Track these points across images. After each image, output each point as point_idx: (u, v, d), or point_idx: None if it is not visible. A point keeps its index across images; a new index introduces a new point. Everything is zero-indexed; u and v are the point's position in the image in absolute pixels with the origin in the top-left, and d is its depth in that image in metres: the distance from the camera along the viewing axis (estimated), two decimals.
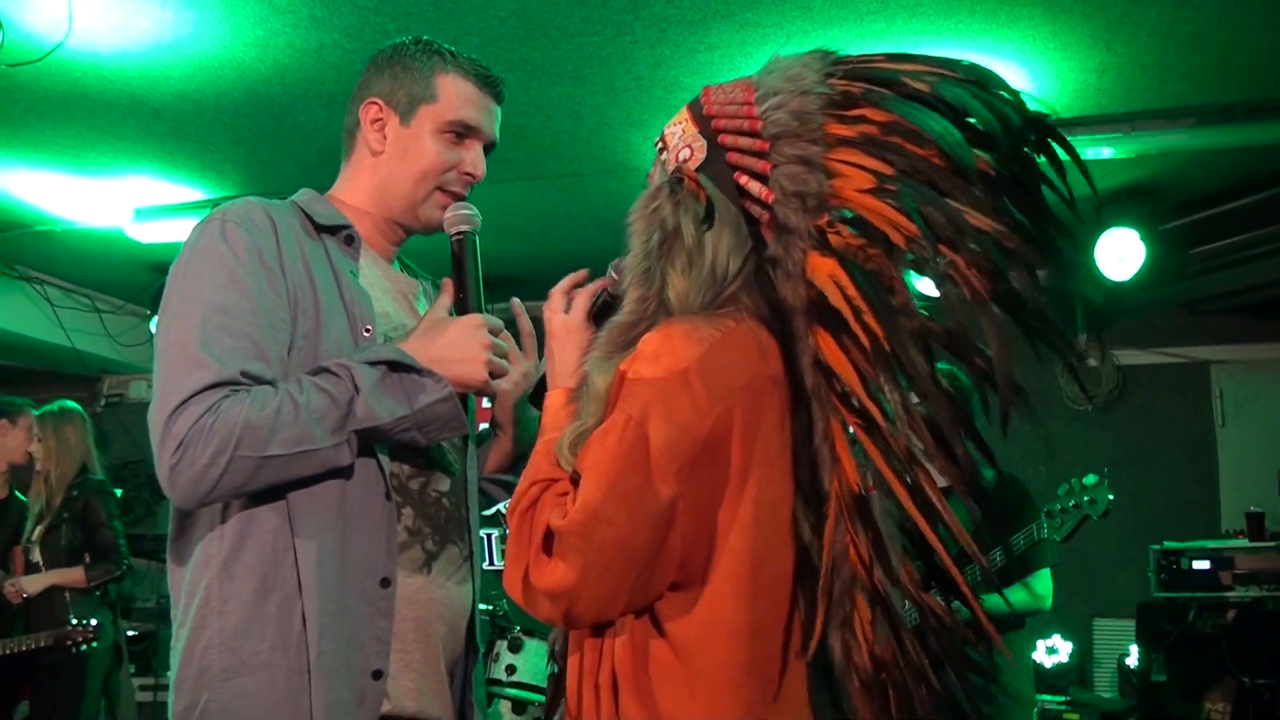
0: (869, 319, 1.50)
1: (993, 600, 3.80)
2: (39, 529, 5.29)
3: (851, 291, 1.51)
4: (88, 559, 5.28)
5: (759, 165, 1.62)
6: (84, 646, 5.02)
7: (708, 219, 1.63)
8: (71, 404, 5.59)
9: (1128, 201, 5.36)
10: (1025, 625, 4.19)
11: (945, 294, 1.49)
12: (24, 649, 4.99)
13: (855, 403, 1.52)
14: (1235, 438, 6.56)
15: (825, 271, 1.54)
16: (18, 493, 5.58)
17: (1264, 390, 6.49)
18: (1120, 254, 5.35)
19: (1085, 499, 3.87)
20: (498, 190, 5.38)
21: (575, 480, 1.57)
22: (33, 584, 5.17)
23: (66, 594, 5.22)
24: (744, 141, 1.63)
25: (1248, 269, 5.58)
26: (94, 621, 5.03)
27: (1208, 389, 6.63)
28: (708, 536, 1.56)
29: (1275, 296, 5.92)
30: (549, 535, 1.54)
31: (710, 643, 1.55)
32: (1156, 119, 4.54)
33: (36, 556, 5.28)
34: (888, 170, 1.55)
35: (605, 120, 4.73)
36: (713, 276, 1.64)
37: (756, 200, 1.62)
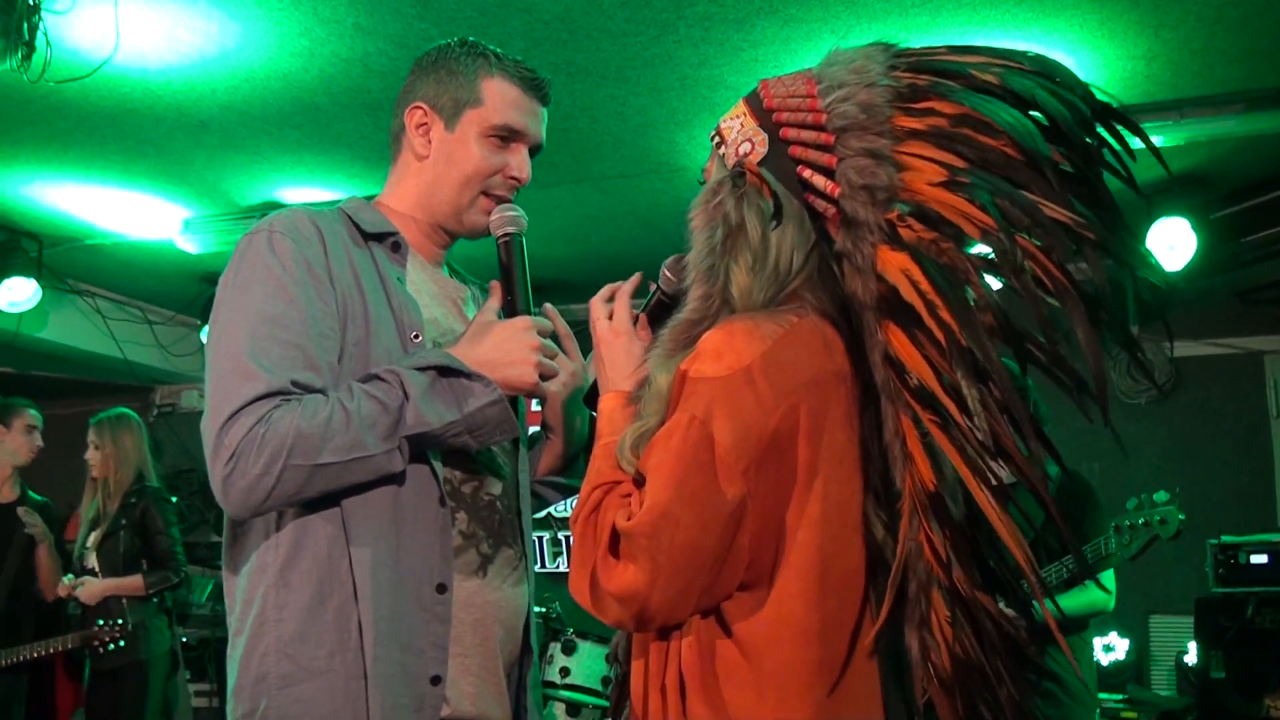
0: (944, 313, 1.48)
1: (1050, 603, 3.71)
2: (95, 535, 5.33)
3: (925, 286, 1.49)
4: (145, 566, 5.32)
5: (824, 159, 1.59)
6: (110, 646, 5.11)
7: (776, 215, 1.60)
8: (127, 411, 5.63)
9: (1177, 190, 5.29)
10: (1087, 626, 4.11)
11: (1023, 286, 1.47)
12: (51, 651, 5.11)
13: (930, 399, 1.50)
14: None
15: (897, 266, 1.52)
16: (31, 493, 5.60)
17: None
18: (1171, 244, 5.28)
19: (1156, 518, 3.74)
20: (544, 194, 5.39)
21: (639, 482, 1.55)
22: (90, 592, 5.22)
23: (124, 601, 5.26)
24: (808, 135, 1.61)
25: None
26: (119, 621, 5.12)
27: (1261, 380, 6.54)
28: (775, 535, 1.54)
29: None
30: (615, 538, 1.52)
31: (779, 642, 1.53)
32: (1205, 105, 4.48)
33: (93, 563, 5.32)
34: (959, 163, 1.53)
35: (650, 121, 4.72)
36: (776, 272, 1.61)
37: (821, 194, 1.60)
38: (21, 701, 5.37)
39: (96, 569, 5.31)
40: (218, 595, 6.31)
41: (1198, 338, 6.52)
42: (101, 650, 5.13)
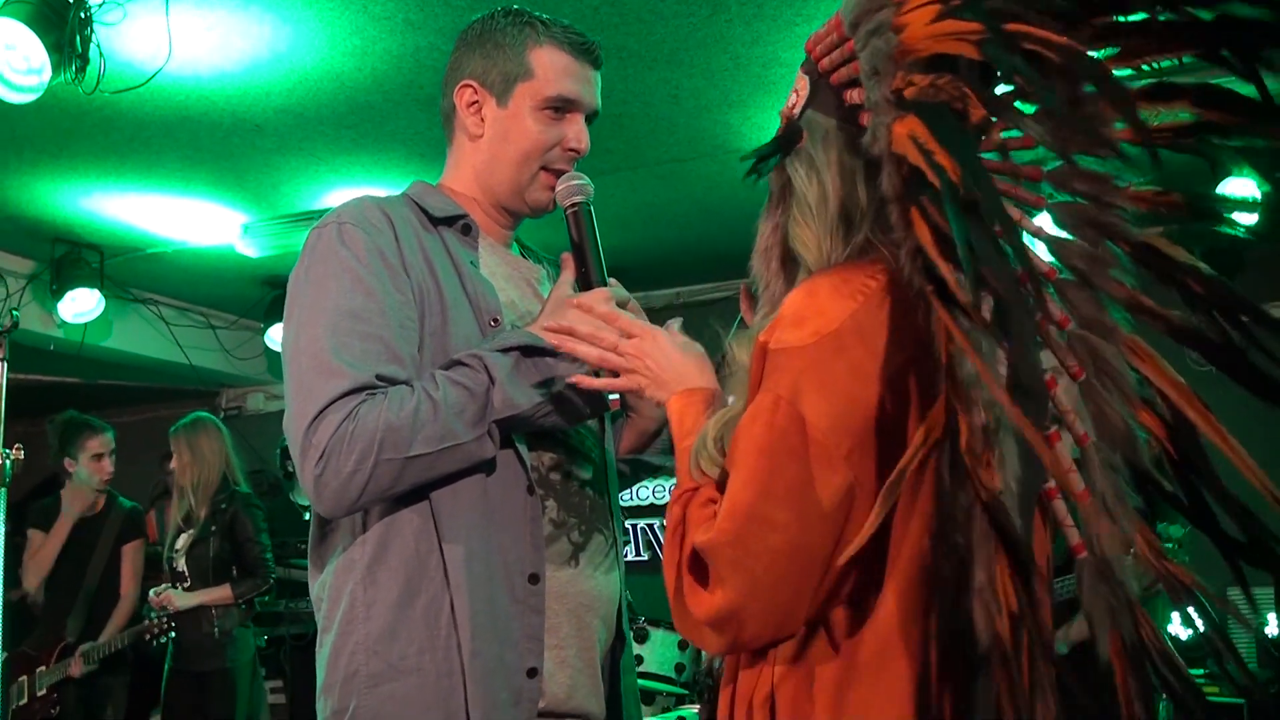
0: (939, 157, 1.19)
1: None
2: (184, 539, 5.39)
3: (924, 135, 1.21)
4: (235, 573, 5.38)
5: (853, 70, 1.37)
6: (162, 639, 5.25)
7: (785, 147, 1.44)
8: (204, 414, 5.69)
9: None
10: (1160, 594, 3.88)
11: (1016, 68, 1.20)
12: (113, 650, 5.32)
13: (932, 270, 1.20)
14: None
15: (905, 133, 1.24)
16: (121, 499, 5.71)
17: None
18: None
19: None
20: (598, 181, 5.31)
21: (723, 483, 1.35)
22: (182, 600, 5.29)
23: (214, 611, 5.33)
24: (836, 55, 1.40)
25: None
26: (168, 611, 5.26)
27: None
28: (885, 527, 1.30)
29: None
30: (699, 558, 1.33)
31: (893, 655, 1.31)
32: None
33: (182, 566, 5.40)
34: None
35: (704, 103, 4.67)
36: (841, 210, 1.40)
37: (862, 107, 1.37)
38: (119, 702, 5.48)
39: (186, 573, 5.37)
40: (285, 592, 6.36)
41: (1272, 299, 6.38)
42: (154, 643, 5.26)
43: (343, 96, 4.53)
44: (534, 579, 1.84)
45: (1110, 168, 1.27)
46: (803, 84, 1.47)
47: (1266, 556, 1.26)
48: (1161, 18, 1.23)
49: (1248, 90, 1.23)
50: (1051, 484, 1.28)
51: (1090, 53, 1.21)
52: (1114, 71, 1.24)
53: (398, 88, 4.46)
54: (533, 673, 1.82)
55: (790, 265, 1.47)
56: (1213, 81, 1.24)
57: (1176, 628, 5.82)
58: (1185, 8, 1.22)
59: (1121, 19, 1.26)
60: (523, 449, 1.86)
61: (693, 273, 6.49)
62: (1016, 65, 1.19)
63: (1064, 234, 1.30)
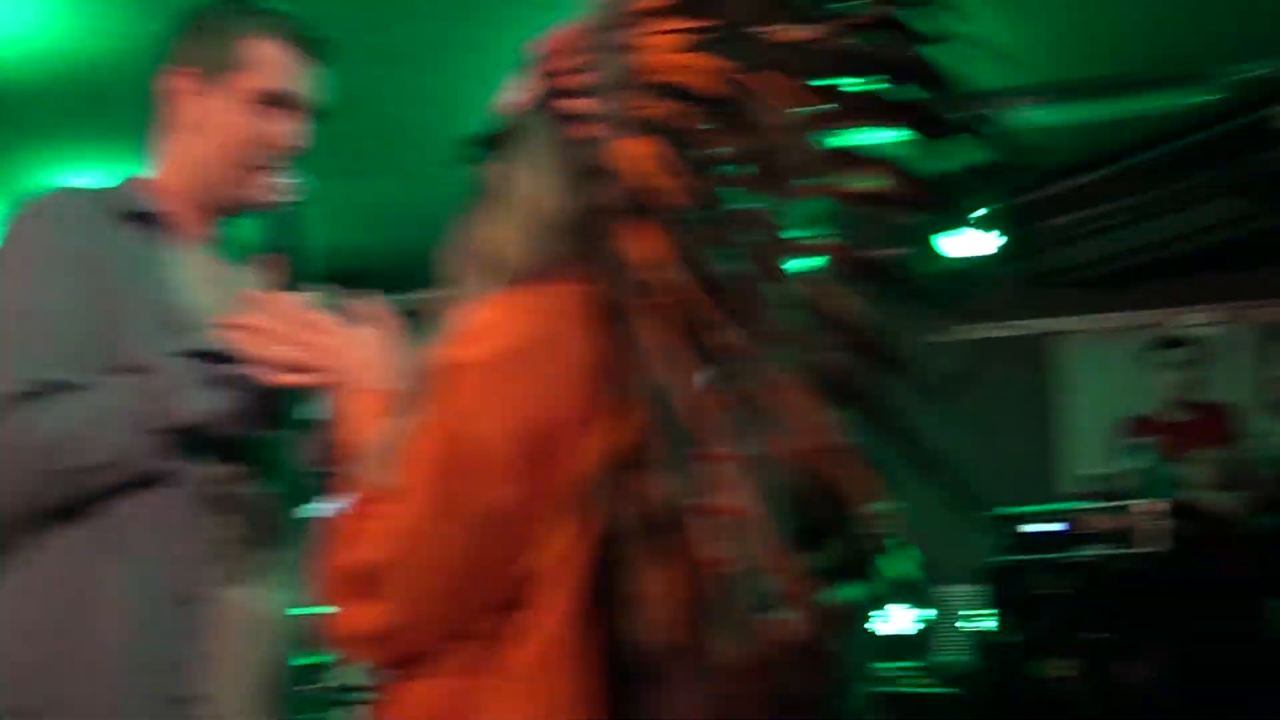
0: (665, 181, 1.22)
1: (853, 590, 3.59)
2: None
3: (651, 158, 1.24)
4: None
5: (583, 80, 1.36)
6: None
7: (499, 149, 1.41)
8: None
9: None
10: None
11: (753, 116, 1.24)
12: None
13: (643, 286, 1.23)
14: (1077, 406, 6.85)
15: (631, 152, 1.26)
16: None
17: (1105, 361, 6.70)
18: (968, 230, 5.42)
19: None
20: (348, 183, 5.26)
21: (391, 495, 1.32)
22: None
23: None
24: (567, 62, 1.38)
25: (1093, 242, 5.83)
26: None
27: (1051, 360, 6.93)
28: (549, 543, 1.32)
29: (1120, 269, 6.14)
30: (359, 572, 1.30)
31: (548, 667, 1.30)
32: (1009, 96, 4.59)
33: None
34: (702, 23, 1.29)
35: (454, 105, 4.63)
36: (546, 217, 1.36)
37: (576, 117, 1.36)
38: None
39: None
40: None
41: (992, 321, 6.72)
42: None
43: (69, 77, 4.36)
44: (194, 600, 1.74)
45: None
46: (524, 84, 1.42)
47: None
48: (859, 89, 1.28)
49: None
50: (707, 499, 1.28)
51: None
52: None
53: (131, 72, 4.23)
54: (194, 698, 1.72)
55: (488, 268, 1.41)
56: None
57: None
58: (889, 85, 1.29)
59: (830, 82, 1.30)
60: (195, 461, 1.75)
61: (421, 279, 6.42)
62: (751, 116, 1.23)
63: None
